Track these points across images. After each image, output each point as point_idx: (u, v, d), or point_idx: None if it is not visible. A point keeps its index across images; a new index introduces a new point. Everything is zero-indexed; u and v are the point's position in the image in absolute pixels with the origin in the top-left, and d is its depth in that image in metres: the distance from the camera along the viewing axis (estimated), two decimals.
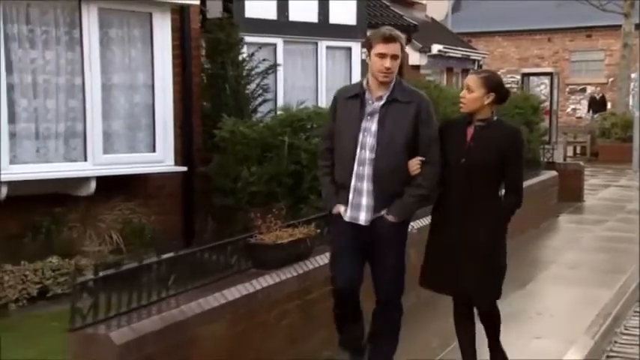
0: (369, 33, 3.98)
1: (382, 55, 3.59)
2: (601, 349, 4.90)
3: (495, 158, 3.68)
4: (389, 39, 3.61)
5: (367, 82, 3.72)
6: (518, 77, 29.03)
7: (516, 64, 30.71)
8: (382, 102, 3.66)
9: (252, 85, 7.56)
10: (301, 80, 10.31)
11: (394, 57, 3.62)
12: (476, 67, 24.29)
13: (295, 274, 4.24)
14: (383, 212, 3.69)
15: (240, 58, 7.41)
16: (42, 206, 6.03)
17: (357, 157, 3.66)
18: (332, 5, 10.77)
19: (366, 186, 3.67)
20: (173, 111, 6.78)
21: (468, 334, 3.95)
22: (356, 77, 11.48)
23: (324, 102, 9.53)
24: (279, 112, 7.13)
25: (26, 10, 5.80)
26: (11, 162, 5.73)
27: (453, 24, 27.17)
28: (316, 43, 10.65)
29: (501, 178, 3.75)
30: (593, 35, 29.79)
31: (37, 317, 5.31)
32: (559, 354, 4.60)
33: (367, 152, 3.65)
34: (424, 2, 22.09)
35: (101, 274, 3.40)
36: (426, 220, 4.46)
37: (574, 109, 29.36)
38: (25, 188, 5.82)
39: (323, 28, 10.65)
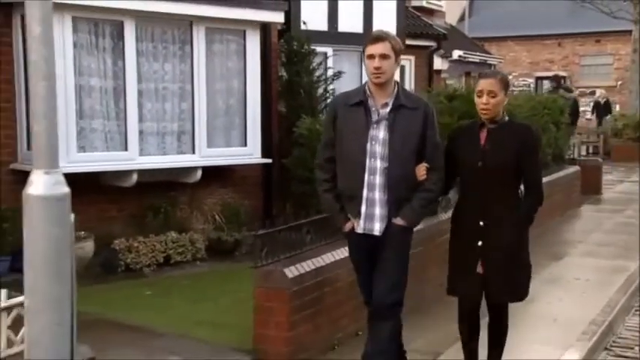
0: None
1: (371, 56, 3.53)
2: (630, 304, 6.09)
3: (512, 158, 3.65)
4: (376, 39, 3.57)
5: (368, 89, 3.62)
6: (530, 80, 30.34)
7: (527, 67, 31.83)
8: (389, 108, 3.57)
9: (320, 90, 8.75)
10: (349, 85, 11.52)
11: (383, 56, 3.51)
12: None
13: None
14: (393, 219, 3.65)
15: (311, 66, 8.61)
16: (160, 191, 7.26)
17: (367, 166, 3.56)
18: (375, 17, 11.98)
19: (378, 195, 3.60)
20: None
21: (473, 341, 4.04)
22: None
23: None
24: None
25: (152, 30, 7.02)
26: (139, 154, 6.96)
27: (466, 28, 28.28)
28: (361, 52, 11.84)
29: (520, 178, 3.72)
30: (602, 40, 30.71)
31: (171, 278, 6.56)
32: (597, 308, 5.75)
33: (378, 161, 3.56)
34: (443, 9, 23.25)
35: (261, 231, 4.62)
36: None
37: (584, 112, 30.52)
38: (148, 176, 7.04)
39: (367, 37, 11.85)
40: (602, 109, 22.89)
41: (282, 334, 4.20)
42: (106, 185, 6.96)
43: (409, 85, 14.19)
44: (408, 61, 14.26)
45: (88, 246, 6.51)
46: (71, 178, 6.59)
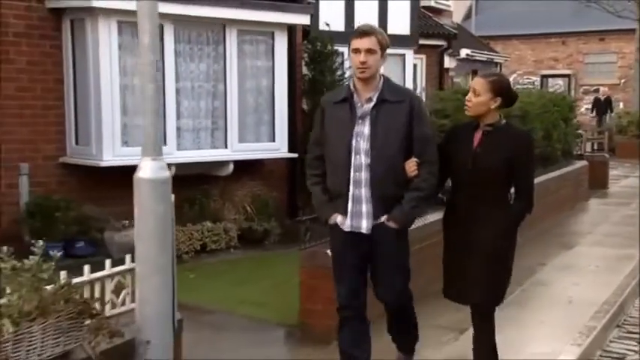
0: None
1: (356, 51, 3.45)
2: (637, 291, 6.56)
3: (503, 164, 3.52)
4: (362, 33, 3.48)
5: (354, 85, 3.56)
6: (534, 79, 30.74)
7: (532, 66, 32.25)
8: (372, 103, 3.50)
9: None
10: None
11: (369, 51, 3.43)
12: (499, 70, 25.76)
13: None
14: (383, 218, 3.54)
15: (334, 66, 9.07)
16: (194, 184, 7.72)
17: (352, 163, 3.50)
18: (390, 17, 12.44)
19: (364, 192, 3.52)
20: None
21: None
22: (409, 80, 13.18)
23: None
24: None
25: (188, 33, 7.48)
26: (177, 149, 7.43)
27: (470, 27, 28.70)
28: None
29: (510, 184, 3.62)
30: (606, 39, 31.05)
31: (209, 264, 7.03)
32: (608, 291, 6.18)
33: (362, 157, 3.50)
34: (451, 9, 23.67)
35: (305, 218, 5.09)
36: None
37: (587, 109, 30.93)
38: (184, 169, 7.49)
39: None
40: (602, 106, 23.22)
41: (329, 307, 4.66)
42: None
43: (421, 82, 14.65)
44: (420, 60, 14.71)
45: (132, 234, 6.96)
46: (115, 171, 7.12)
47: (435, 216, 5.81)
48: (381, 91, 3.51)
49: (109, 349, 2.87)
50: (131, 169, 7.13)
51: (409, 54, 12.87)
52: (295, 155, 8.55)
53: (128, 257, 3.45)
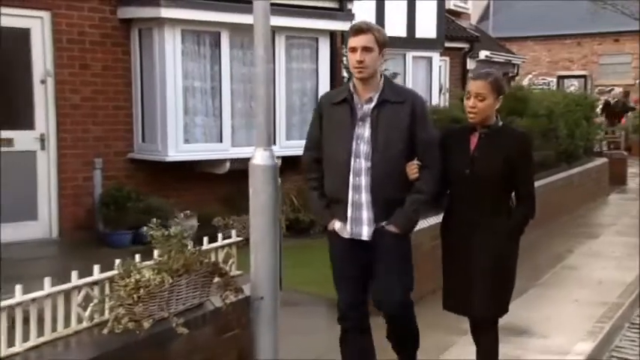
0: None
1: (353, 49, 3.31)
2: None
3: (502, 167, 3.34)
4: (357, 31, 3.33)
5: (353, 86, 3.41)
6: (549, 79, 31.19)
7: (547, 67, 32.74)
8: (373, 104, 3.34)
9: None
10: None
11: (366, 49, 3.29)
12: (516, 72, 26.25)
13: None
14: (383, 223, 3.38)
15: None
16: (246, 177, 8.35)
17: (351, 167, 3.33)
18: (417, 22, 13.08)
19: (364, 197, 3.35)
20: None
21: None
22: (435, 82, 13.81)
23: None
24: None
25: (241, 39, 8.14)
26: (231, 145, 8.09)
27: (487, 28, 29.22)
28: (404, 54, 12.97)
29: (511, 189, 3.42)
30: (620, 40, 31.44)
31: None
32: (633, 274, 6.77)
33: (362, 161, 3.33)
34: (469, 11, 24.24)
35: None
36: None
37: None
38: (237, 164, 8.15)
39: (410, 41, 12.96)
40: (616, 107, 23.41)
41: None
42: (201, 172, 8.10)
43: (444, 84, 15.25)
44: (444, 62, 15.32)
45: (193, 222, 7.64)
46: (177, 166, 7.80)
47: None
48: (382, 90, 3.35)
49: (234, 302, 3.52)
50: (191, 164, 7.91)
51: (436, 57, 13.50)
52: None
53: (234, 232, 4.10)
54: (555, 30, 32.12)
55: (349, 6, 9.24)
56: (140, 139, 7.76)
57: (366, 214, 3.37)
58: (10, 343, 2.80)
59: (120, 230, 7.29)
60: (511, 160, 3.34)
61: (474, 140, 3.41)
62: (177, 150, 7.61)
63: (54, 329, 2.98)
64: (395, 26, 12.50)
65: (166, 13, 7.31)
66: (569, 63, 32.91)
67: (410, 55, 12.96)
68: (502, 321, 5.46)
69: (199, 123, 7.93)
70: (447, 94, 14.40)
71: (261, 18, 3.65)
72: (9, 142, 6.80)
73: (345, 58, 9.80)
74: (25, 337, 2.86)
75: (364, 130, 3.35)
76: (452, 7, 20.25)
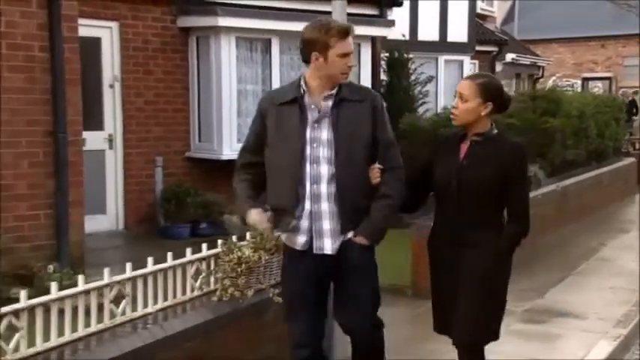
0: (310, 29, 3.04)
1: (345, 55, 2.96)
2: None
3: (493, 179, 3.05)
4: (347, 32, 2.98)
5: (305, 84, 3.01)
6: (574, 81, 31.39)
7: (571, 68, 32.92)
8: (330, 103, 2.99)
9: (416, 91, 10.34)
10: (428, 87, 13.12)
11: (351, 53, 3.02)
12: (541, 74, 26.53)
13: None
14: (350, 235, 3.02)
15: (410, 72, 10.22)
16: None
17: (307, 174, 2.97)
18: (449, 26, 13.53)
19: (326, 207, 2.99)
20: None
21: None
22: None
23: (442, 104, 12.29)
24: (440, 111, 9.93)
25: (290, 45, 8.67)
26: None
27: (512, 30, 29.52)
28: (437, 58, 13.43)
29: (503, 203, 3.11)
30: None
31: None
32: None
33: (323, 166, 2.97)
34: (495, 15, 24.62)
35: None
36: None
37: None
38: None
39: (442, 45, 13.43)
40: (630, 107, 23.57)
41: None
42: None
43: None
44: (473, 65, 15.74)
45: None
46: (231, 164, 8.36)
47: None
48: (339, 88, 3.00)
49: None
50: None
51: (466, 60, 13.94)
52: None
53: None
54: (579, 32, 32.28)
55: (389, 13, 9.73)
56: (197, 139, 8.32)
57: (328, 226, 2.99)
58: (144, 305, 3.34)
59: (179, 223, 7.83)
60: (503, 171, 3.04)
61: (464, 148, 3.14)
62: (232, 149, 8.14)
63: (174, 296, 3.51)
64: (428, 30, 13.00)
65: (223, 22, 7.86)
66: (593, 65, 33.06)
67: (442, 58, 13.41)
68: (544, 304, 6.03)
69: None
70: None
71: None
72: (83, 142, 7.38)
73: (384, 63, 10.32)
74: (154, 302, 3.40)
75: (321, 133, 2.98)
76: (478, 11, 20.66)
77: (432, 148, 3.35)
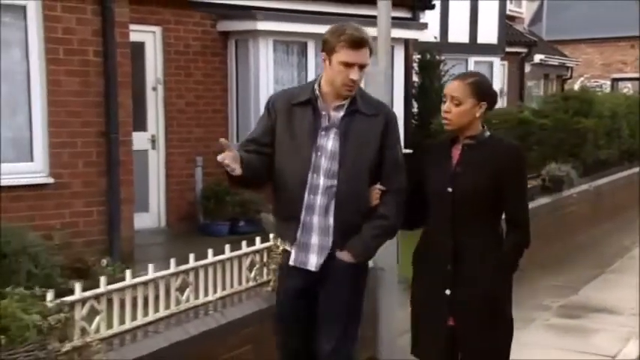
0: (329, 29, 2.91)
1: (348, 65, 2.75)
2: None
3: (489, 184, 2.82)
4: (358, 43, 2.75)
5: (319, 88, 2.85)
6: (602, 82, 31.17)
7: (600, 69, 32.65)
8: (342, 112, 2.83)
9: None
10: None
11: (362, 66, 2.78)
12: (569, 75, 26.39)
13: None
14: (337, 252, 2.84)
15: (441, 73, 10.37)
16: None
17: (308, 183, 2.80)
18: (479, 28, 13.64)
19: (317, 221, 2.82)
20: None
21: None
22: (496, 86, 14.33)
23: None
24: None
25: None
26: None
27: (540, 31, 29.41)
28: (466, 60, 13.56)
29: (500, 211, 2.90)
30: None
31: None
32: None
33: (321, 178, 2.81)
34: (523, 16, 24.60)
35: None
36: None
37: None
38: None
39: (472, 47, 13.55)
40: None
41: None
42: None
43: (503, 88, 15.75)
44: (502, 66, 15.81)
45: None
46: None
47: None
48: (354, 100, 2.83)
49: None
50: None
51: (496, 61, 14.04)
52: (410, 151, 9.87)
53: None
54: (608, 32, 31.99)
55: (421, 16, 9.90)
56: (235, 139, 8.56)
57: (315, 240, 2.83)
58: (205, 294, 3.58)
59: (218, 221, 8.09)
60: (500, 176, 2.82)
61: (456, 154, 2.90)
62: None
63: (231, 286, 3.74)
64: (458, 32, 13.13)
65: (262, 25, 8.10)
66: (622, 65, 32.72)
67: (472, 60, 13.51)
68: (579, 300, 6.14)
69: None
70: (505, 99, 14.93)
71: (383, 34, 4.36)
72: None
73: (415, 65, 10.49)
74: (214, 291, 3.64)
75: (327, 142, 2.82)
76: (507, 12, 20.72)
77: (420, 157, 3.06)
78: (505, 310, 2.88)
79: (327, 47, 2.82)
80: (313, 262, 2.83)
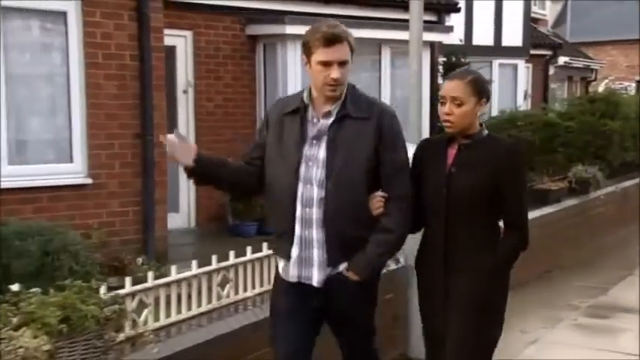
0: (307, 30, 2.79)
1: (327, 64, 2.63)
2: None
3: (486, 185, 2.74)
4: (332, 40, 2.63)
5: (309, 95, 2.75)
6: (627, 84, 30.87)
7: (625, 71, 32.36)
8: (331, 119, 2.70)
9: None
10: None
11: (342, 63, 2.65)
12: (593, 77, 26.20)
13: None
14: (342, 267, 2.73)
15: None
16: None
17: (299, 195, 2.69)
18: (504, 31, 13.66)
19: (315, 234, 2.70)
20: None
21: None
22: (521, 88, 14.34)
23: (497, 107, 12.43)
24: (496, 114, 10.11)
25: (359, 49, 8.99)
26: None
27: (564, 33, 29.24)
28: (491, 62, 13.58)
29: (498, 213, 2.82)
30: None
31: None
32: None
33: (315, 188, 2.69)
34: (547, 18, 24.50)
35: None
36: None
37: None
38: None
39: (497, 49, 13.57)
40: None
41: None
42: None
43: (527, 90, 15.73)
44: (527, 69, 15.80)
45: None
46: None
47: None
48: (343, 103, 2.70)
49: (395, 269, 4.35)
50: None
51: (521, 64, 14.04)
52: None
53: None
54: (633, 34, 31.71)
55: (447, 19, 9.97)
56: None
57: (317, 255, 2.71)
58: (244, 290, 3.71)
59: (247, 222, 8.22)
60: (497, 176, 2.73)
61: (452, 153, 2.81)
62: None
63: (268, 282, 3.86)
64: (483, 35, 13.16)
65: (290, 29, 8.24)
66: None
67: (496, 62, 13.54)
68: (607, 300, 6.16)
69: None
70: (529, 101, 14.91)
71: (415, 39, 4.46)
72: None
73: (441, 67, 10.54)
74: (252, 287, 3.76)
75: (318, 151, 2.70)
76: (531, 14, 20.67)
77: (414, 157, 2.88)
78: (495, 313, 2.82)
79: (305, 50, 2.70)
80: (316, 277, 2.70)
